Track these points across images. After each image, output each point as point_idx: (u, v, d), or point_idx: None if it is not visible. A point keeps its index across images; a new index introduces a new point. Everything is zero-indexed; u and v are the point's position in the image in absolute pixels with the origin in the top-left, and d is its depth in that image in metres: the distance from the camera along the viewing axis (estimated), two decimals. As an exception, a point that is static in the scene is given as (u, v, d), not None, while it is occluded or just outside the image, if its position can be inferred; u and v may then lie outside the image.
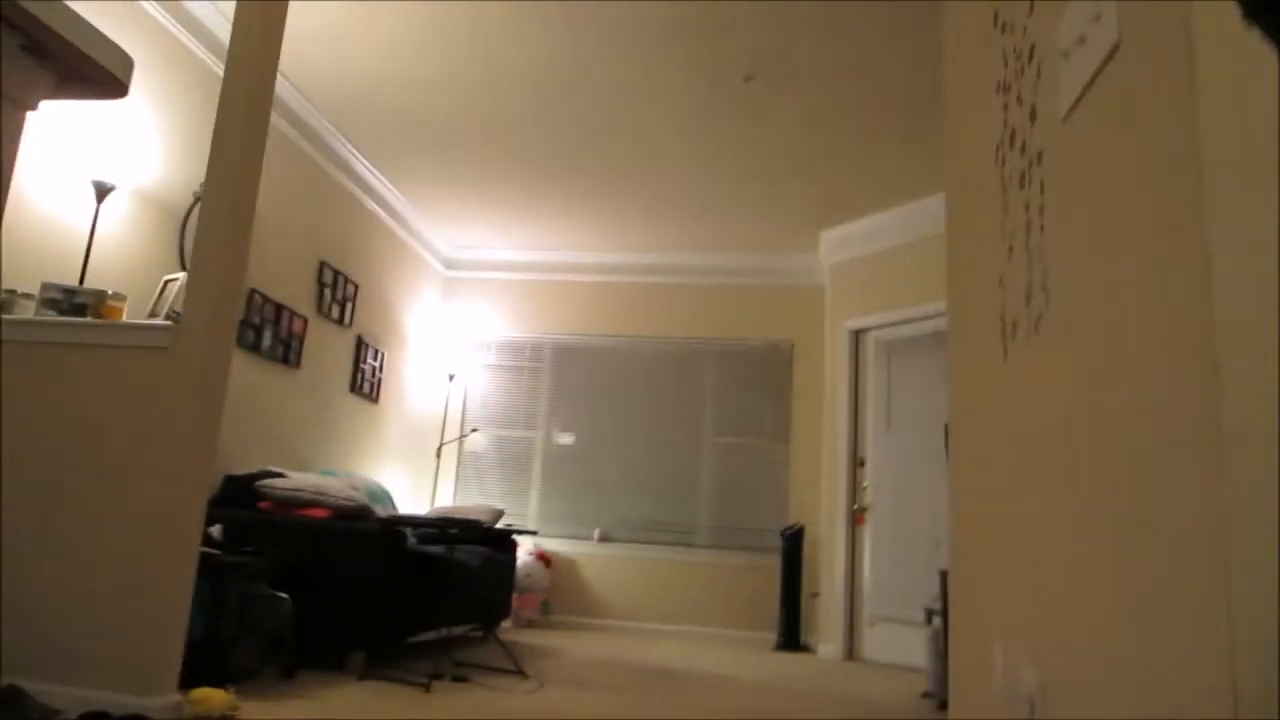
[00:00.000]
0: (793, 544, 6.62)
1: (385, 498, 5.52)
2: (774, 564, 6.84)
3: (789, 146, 5.40)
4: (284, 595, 3.63)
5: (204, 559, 3.29)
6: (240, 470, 4.70)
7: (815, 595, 6.64)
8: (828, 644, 6.31)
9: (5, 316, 3.11)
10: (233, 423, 4.73)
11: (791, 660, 5.98)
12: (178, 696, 2.88)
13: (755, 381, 7.37)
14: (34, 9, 0.94)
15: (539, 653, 5.07)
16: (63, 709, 2.65)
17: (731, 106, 4.97)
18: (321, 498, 4.29)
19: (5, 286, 3.30)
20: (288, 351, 5.28)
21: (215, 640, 3.28)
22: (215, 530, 3.82)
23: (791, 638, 6.53)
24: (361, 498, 4.45)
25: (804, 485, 7.07)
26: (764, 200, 6.26)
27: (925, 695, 4.66)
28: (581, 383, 7.57)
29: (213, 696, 2.91)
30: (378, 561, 4.04)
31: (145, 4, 4.07)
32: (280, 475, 4.51)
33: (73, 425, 2.98)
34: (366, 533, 4.11)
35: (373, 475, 6.44)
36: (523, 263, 7.75)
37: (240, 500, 4.38)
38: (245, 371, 4.87)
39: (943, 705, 4.32)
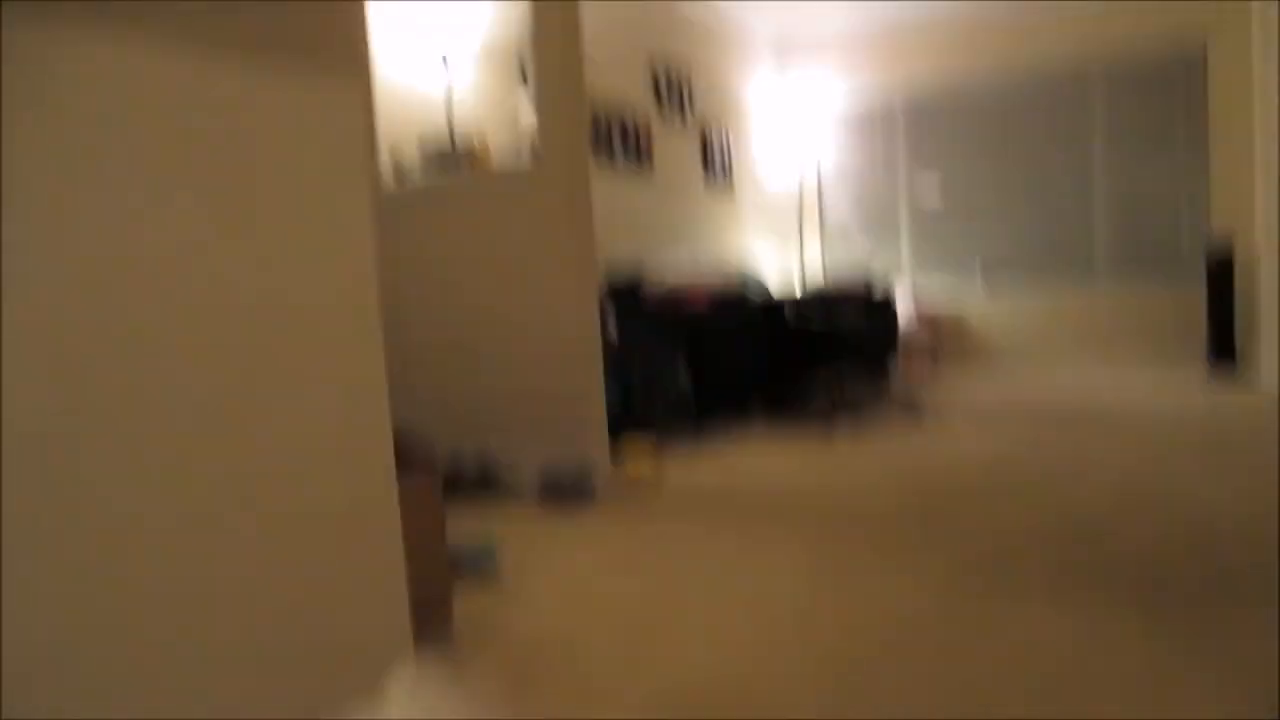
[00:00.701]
0: (1220, 264, 5.76)
1: (754, 278, 5.72)
2: (1196, 291, 6.07)
3: None
4: (680, 369, 3.99)
5: (605, 349, 3.69)
6: (618, 270, 5.12)
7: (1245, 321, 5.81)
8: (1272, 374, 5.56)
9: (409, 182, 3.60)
10: (606, 229, 5.12)
11: (1230, 396, 5.39)
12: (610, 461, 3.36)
13: (1155, 98, 6.30)
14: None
15: (934, 403, 5.09)
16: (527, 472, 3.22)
17: None
18: (697, 284, 4.56)
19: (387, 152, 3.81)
20: (639, 156, 5.52)
21: (631, 406, 3.72)
22: (609, 323, 4.25)
23: (1224, 365, 5.83)
24: (734, 280, 4.66)
25: (1231, 190, 6.06)
26: None
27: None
28: (944, 135, 7.04)
29: (639, 460, 3.36)
30: (761, 336, 4.24)
31: None
32: (655, 269, 4.85)
33: (475, 258, 3.44)
34: (745, 313, 4.32)
35: (739, 258, 6.67)
36: (853, 29, 7.19)
37: (623, 295, 4.79)
38: (606, 182, 5.19)
39: None
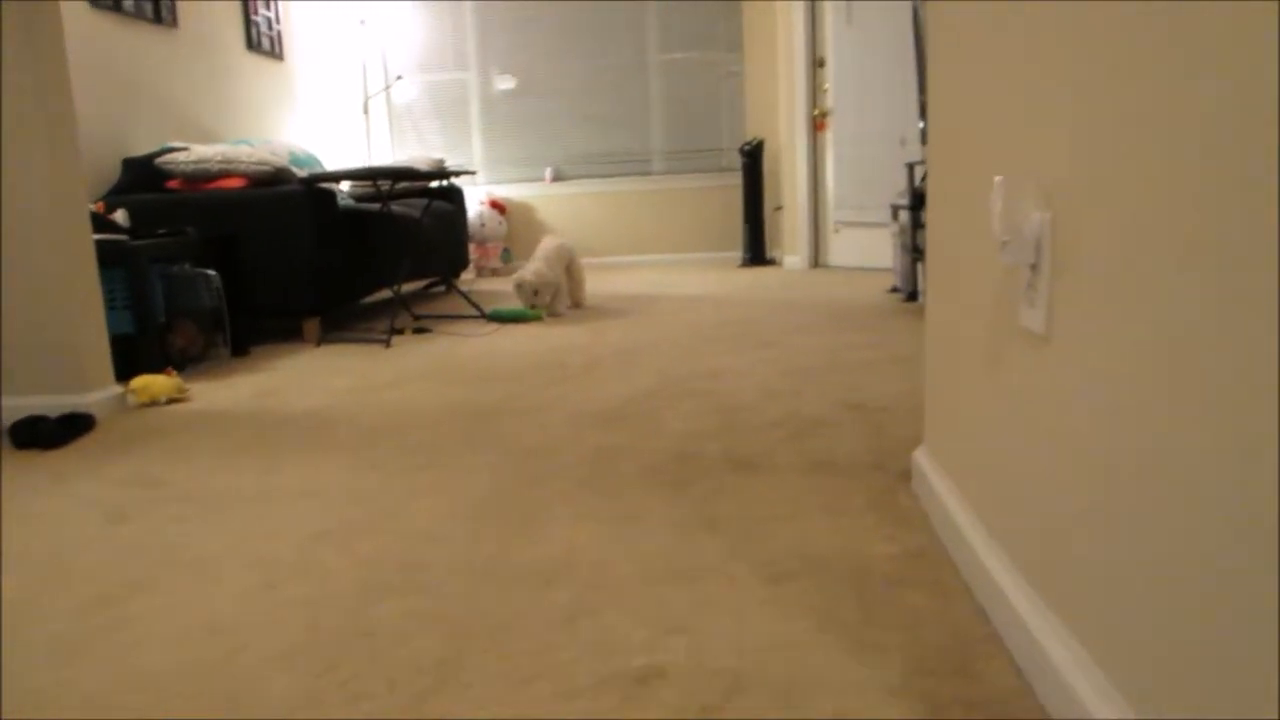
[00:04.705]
0: (753, 159, 6.34)
1: (312, 162, 5.10)
2: (735, 182, 6.62)
3: None
4: (211, 271, 3.39)
5: (112, 247, 3.00)
6: (138, 152, 4.24)
7: (779, 209, 6.50)
8: (792, 255, 6.28)
9: None
10: (115, 100, 4.18)
11: (759, 273, 5.98)
12: (118, 388, 2.73)
13: (701, 16, 6.65)
14: None
15: (504, 298, 4.98)
16: (-4, 417, 2.50)
17: None
18: (231, 166, 3.90)
19: None
20: (157, 8, 4.55)
21: (149, 328, 3.08)
22: (120, 216, 3.49)
23: (757, 253, 6.48)
24: (279, 162, 4.06)
25: (761, 96, 6.64)
26: None
27: (893, 290, 4.66)
28: (510, 13, 6.80)
29: (155, 383, 2.77)
30: (308, 225, 3.75)
31: None
32: (183, 149, 4.07)
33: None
34: (289, 196, 3.78)
35: (293, 140, 5.94)
36: None
37: (146, 183, 3.98)
38: (108, 35, 4.20)
39: (910, 298, 4.31)
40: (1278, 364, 0.55)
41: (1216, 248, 0.63)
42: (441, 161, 5.43)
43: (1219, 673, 0.64)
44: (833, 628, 1.17)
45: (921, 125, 4.30)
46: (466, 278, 6.32)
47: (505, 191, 6.89)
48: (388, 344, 3.63)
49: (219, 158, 3.92)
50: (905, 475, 1.76)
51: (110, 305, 3.01)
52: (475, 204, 6.55)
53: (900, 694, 1.00)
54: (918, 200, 4.00)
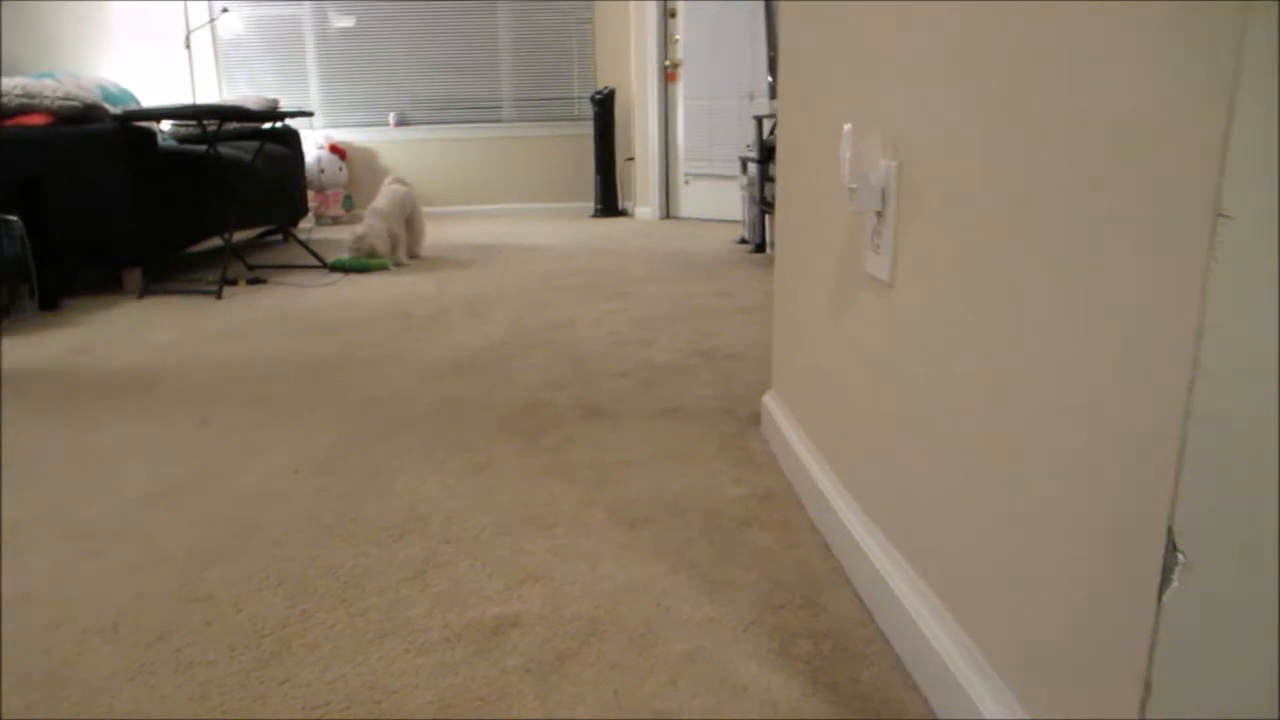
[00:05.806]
0: (604, 108, 6.28)
1: (128, 99, 4.69)
2: (587, 131, 6.54)
3: None
4: (13, 217, 3.07)
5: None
6: (-81, 78, 3.76)
7: (630, 159, 6.48)
8: (644, 206, 6.29)
9: None
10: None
11: (611, 224, 5.97)
12: (-98, 343, 2.45)
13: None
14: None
15: (346, 247, 4.76)
16: None
17: None
18: (34, 101, 3.52)
19: None
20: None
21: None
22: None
23: (609, 204, 6.46)
24: (89, 97, 3.70)
25: (613, 44, 6.56)
26: None
27: (741, 241, 4.75)
28: (344, -58, 6.41)
29: (-53, 338, 2.50)
30: (123, 166, 3.45)
31: None
32: (-24, 80, 3.65)
33: None
34: (100, 134, 3.46)
35: (106, 76, 5.43)
36: None
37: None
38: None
39: (758, 249, 4.41)
40: (1107, 316, 0.59)
41: (1046, 203, 0.66)
42: (275, 103, 5.11)
43: (1034, 585, 0.68)
44: (686, 569, 1.19)
45: (770, 80, 4.37)
46: (305, 226, 6.00)
47: (346, 136, 6.56)
48: (219, 295, 3.41)
49: (18, 91, 3.53)
50: (754, 419, 1.81)
51: (-111, 252, 2.69)
52: (314, 149, 6.22)
53: (752, 629, 1.03)
54: (766, 153, 4.08)
